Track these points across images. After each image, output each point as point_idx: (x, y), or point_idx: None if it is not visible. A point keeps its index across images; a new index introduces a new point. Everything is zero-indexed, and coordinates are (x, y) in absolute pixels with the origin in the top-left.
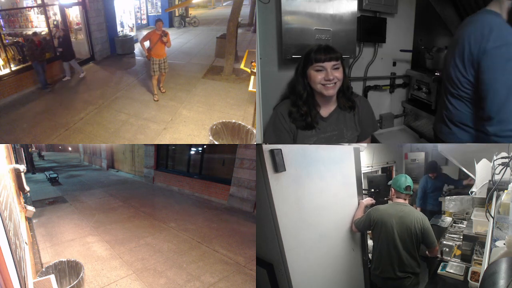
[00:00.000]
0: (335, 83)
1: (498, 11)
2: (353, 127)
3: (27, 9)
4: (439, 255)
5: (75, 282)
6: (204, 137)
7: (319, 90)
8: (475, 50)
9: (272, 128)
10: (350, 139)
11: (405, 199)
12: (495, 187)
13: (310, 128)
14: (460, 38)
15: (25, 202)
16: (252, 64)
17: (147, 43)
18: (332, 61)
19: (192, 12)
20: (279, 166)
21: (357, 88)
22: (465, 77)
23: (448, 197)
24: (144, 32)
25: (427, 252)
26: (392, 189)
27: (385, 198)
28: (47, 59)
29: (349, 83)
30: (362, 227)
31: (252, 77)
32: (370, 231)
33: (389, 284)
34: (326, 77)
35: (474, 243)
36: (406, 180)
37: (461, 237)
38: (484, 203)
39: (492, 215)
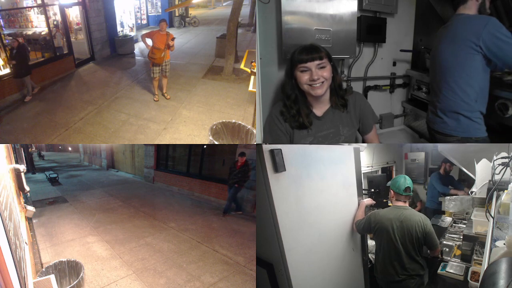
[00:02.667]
0: (322, 82)
1: (468, 13)
2: (350, 124)
3: (27, 9)
4: (439, 255)
5: (75, 282)
6: (204, 137)
7: (306, 90)
8: (477, 39)
9: (268, 130)
10: (347, 135)
11: (405, 202)
12: (495, 187)
13: (303, 128)
14: (456, 34)
15: (25, 202)
16: (252, 64)
17: (149, 42)
18: (316, 61)
19: (192, 12)
20: (279, 166)
21: (357, 88)
22: (463, 62)
23: (448, 197)
24: (144, 32)
25: (428, 251)
26: (391, 191)
27: (384, 200)
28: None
29: (341, 81)
30: (362, 230)
31: (252, 77)
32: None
33: (393, 286)
34: (311, 77)
35: (474, 243)
36: (405, 181)
37: (461, 237)
38: (484, 203)
39: (492, 215)
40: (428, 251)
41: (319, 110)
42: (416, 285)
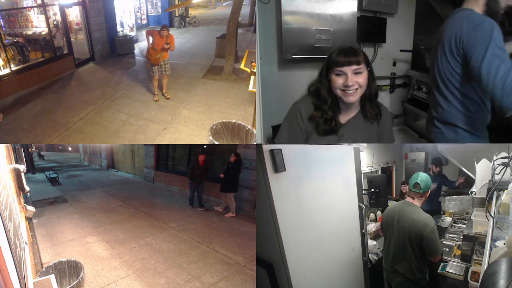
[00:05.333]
0: (356, 89)
1: (471, 8)
2: (368, 136)
3: (27, 9)
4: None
5: (75, 282)
6: (204, 137)
7: (339, 95)
8: (458, 41)
9: (288, 123)
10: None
11: (413, 198)
12: (495, 187)
13: (330, 134)
14: (442, 36)
15: (25, 202)
16: (252, 64)
17: (150, 40)
18: (353, 65)
19: (192, 12)
20: (279, 166)
21: None
22: (453, 70)
23: (448, 197)
24: (144, 32)
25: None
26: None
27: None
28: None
29: (377, 89)
30: (381, 228)
31: (252, 77)
32: (370, 232)
33: (386, 276)
34: (345, 82)
35: (474, 243)
36: (417, 177)
37: (461, 237)
38: (484, 203)
39: (492, 215)
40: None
41: (345, 117)
42: (399, 285)
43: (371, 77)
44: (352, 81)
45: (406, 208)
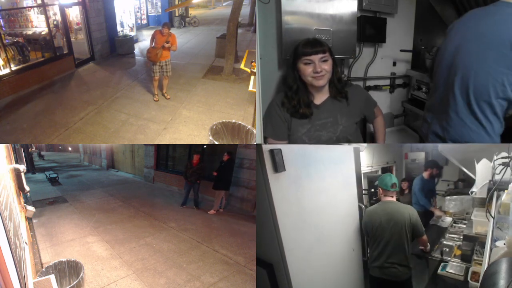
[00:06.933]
0: (323, 74)
1: None
2: (348, 114)
3: (27, 9)
4: (438, 255)
5: (75, 282)
6: (204, 137)
7: (309, 82)
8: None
9: (269, 117)
10: (346, 125)
11: (392, 196)
12: (495, 187)
13: (304, 117)
14: (494, 39)
15: (25, 202)
16: (252, 64)
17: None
18: (319, 54)
19: (192, 12)
20: (279, 166)
21: None
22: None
23: (448, 197)
24: (144, 32)
25: (421, 247)
26: (380, 189)
27: (374, 198)
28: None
29: (340, 75)
30: (365, 233)
31: (252, 77)
32: None
33: (381, 272)
34: (315, 69)
35: (474, 243)
36: (391, 179)
37: (461, 237)
38: (484, 203)
39: (492, 215)
40: (420, 245)
41: (318, 99)
42: (402, 273)
43: (335, 64)
44: (320, 67)
45: (390, 206)
